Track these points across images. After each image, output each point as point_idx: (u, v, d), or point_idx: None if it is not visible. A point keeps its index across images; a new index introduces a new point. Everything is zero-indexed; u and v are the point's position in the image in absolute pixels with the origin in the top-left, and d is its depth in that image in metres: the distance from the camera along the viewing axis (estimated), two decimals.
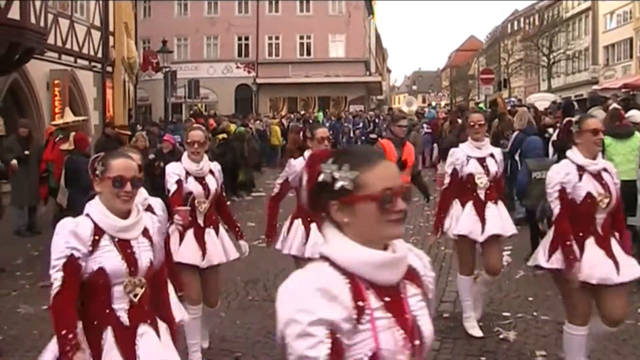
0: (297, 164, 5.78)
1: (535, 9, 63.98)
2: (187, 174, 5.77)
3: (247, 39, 45.27)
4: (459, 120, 15.40)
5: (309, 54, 45.41)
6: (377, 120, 29.03)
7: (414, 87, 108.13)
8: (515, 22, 72.64)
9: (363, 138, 27.48)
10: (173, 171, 5.80)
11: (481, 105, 26.43)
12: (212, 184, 5.91)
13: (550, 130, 11.82)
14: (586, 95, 30.91)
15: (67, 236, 3.37)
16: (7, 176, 10.99)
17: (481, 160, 6.58)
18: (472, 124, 6.67)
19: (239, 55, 45.41)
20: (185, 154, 5.96)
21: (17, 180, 11.80)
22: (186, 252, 5.69)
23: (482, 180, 6.51)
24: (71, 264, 3.35)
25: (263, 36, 45.06)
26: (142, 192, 4.51)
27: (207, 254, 5.77)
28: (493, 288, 8.22)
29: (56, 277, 3.36)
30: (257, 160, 20.98)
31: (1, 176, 10.69)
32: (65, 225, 3.41)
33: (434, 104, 50.70)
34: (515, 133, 12.19)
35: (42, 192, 12.20)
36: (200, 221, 5.84)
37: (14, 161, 10.76)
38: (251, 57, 45.22)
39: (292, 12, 44.89)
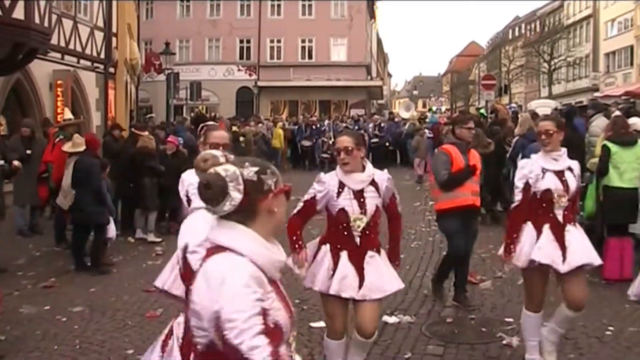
0: (329, 180, 5.05)
1: (536, 15, 64.19)
2: None
3: (248, 41, 45.30)
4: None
5: (310, 57, 45.43)
6: (382, 125, 28.68)
7: (415, 92, 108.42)
8: (517, 28, 72.89)
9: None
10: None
11: (482, 110, 26.42)
12: None
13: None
14: (586, 102, 30.88)
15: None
16: (10, 176, 10.98)
17: (559, 175, 5.59)
18: (540, 132, 5.70)
19: (241, 57, 45.44)
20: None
21: (20, 180, 11.78)
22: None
23: (562, 199, 5.55)
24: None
25: (265, 39, 45.08)
26: None
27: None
28: (495, 294, 8.24)
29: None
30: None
31: (5, 176, 10.66)
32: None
33: (434, 108, 50.61)
34: (516, 138, 12.25)
35: (42, 193, 12.19)
36: None
37: (16, 162, 10.74)
38: (253, 60, 45.25)
39: (295, 15, 44.92)
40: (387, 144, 27.51)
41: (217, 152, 3.70)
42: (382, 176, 5.15)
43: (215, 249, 2.49)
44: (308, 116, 30.70)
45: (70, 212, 10.40)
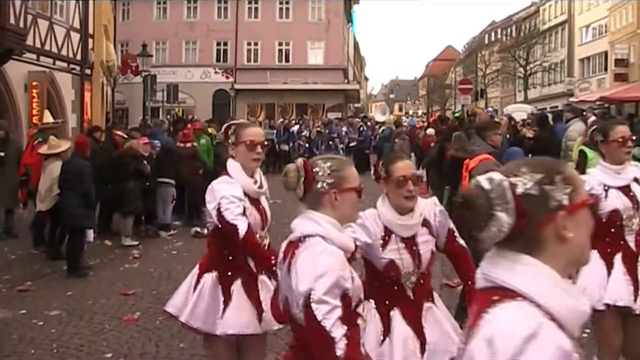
0: (369, 218, 3.86)
1: (512, 20, 64.77)
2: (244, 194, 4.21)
3: (226, 44, 45.17)
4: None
5: (287, 60, 45.38)
6: (362, 129, 28.80)
7: (392, 96, 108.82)
8: (493, 33, 73.43)
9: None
10: (233, 193, 4.11)
11: (457, 114, 26.61)
12: (268, 208, 4.49)
13: None
14: (562, 107, 31.24)
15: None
16: None
17: (625, 190, 4.51)
18: (619, 139, 4.52)
19: (218, 60, 45.28)
20: (233, 164, 4.30)
21: None
22: (235, 313, 4.16)
23: (633, 221, 4.48)
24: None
25: (242, 42, 44.96)
26: None
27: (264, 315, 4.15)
28: None
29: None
30: None
31: None
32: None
33: (411, 112, 50.88)
34: None
35: (22, 196, 12.08)
36: (253, 266, 4.31)
37: None
38: (230, 63, 45.11)
39: (272, 18, 44.87)
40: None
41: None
42: (430, 208, 4.00)
43: (498, 293, 1.74)
44: (286, 120, 30.71)
45: (52, 216, 10.34)
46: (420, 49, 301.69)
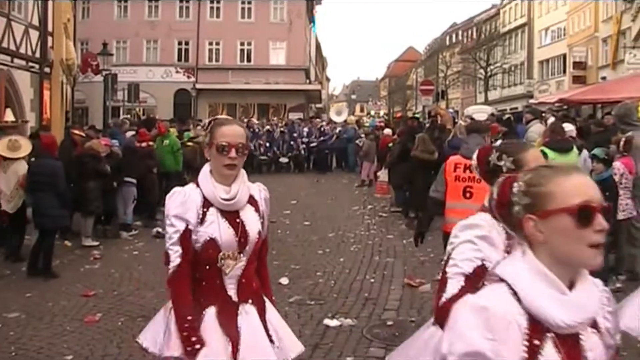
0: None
1: (473, 23, 65.42)
2: (208, 204, 3.45)
3: (187, 43, 44.95)
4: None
5: (249, 60, 45.31)
6: (324, 129, 28.90)
7: (353, 96, 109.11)
8: (454, 35, 74.11)
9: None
10: (175, 212, 3.41)
11: (417, 115, 26.80)
12: (253, 223, 3.55)
13: None
14: (522, 108, 31.61)
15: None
16: None
17: None
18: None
19: (179, 59, 45.05)
20: (205, 170, 3.55)
21: None
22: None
23: None
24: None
25: (203, 41, 44.80)
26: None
27: (240, 349, 3.37)
28: (435, 297, 8.33)
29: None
30: None
31: None
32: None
33: (372, 112, 51.10)
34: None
35: None
36: (232, 292, 3.48)
37: None
38: (191, 62, 44.90)
39: (234, 18, 44.77)
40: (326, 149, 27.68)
41: None
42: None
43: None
44: (246, 120, 30.64)
45: (14, 217, 10.21)
46: (382, 50, 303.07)
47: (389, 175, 16.01)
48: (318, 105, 58.78)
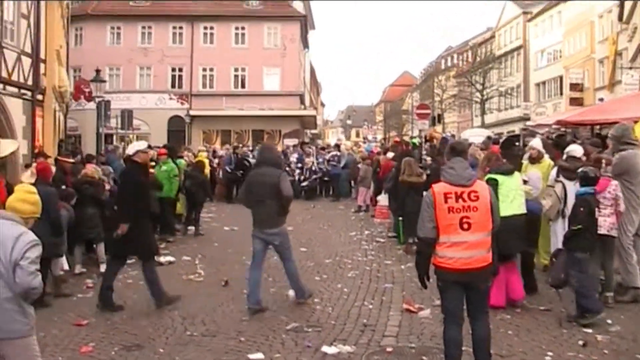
0: None
1: (468, 46, 65.75)
2: None
3: (181, 70, 45.04)
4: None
5: (243, 86, 45.37)
6: (337, 155, 28.54)
7: (348, 122, 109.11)
8: (449, 58, 74.46)
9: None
10: None
11: (414, 140, 26.70)
12: None
13: None
14: (518, 131, 31.58)
15: None
16: None
17: None
18: None
19: (173, 86, 45.11)
20: None
21: None
22: None
23: None
24: None
25: (197, 67, 44.91)
26: None
27: None
28: (434, 322, 8.17)
29: None
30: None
31: None
32: None
33: (370, 137, 51.20)
34: None
35: None
36: None
37: None
38: (185, 89, 44.95)
39: (227, 44, 44.91)
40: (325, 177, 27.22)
41: None
42: None
43: None
44: (241, 146, 30.50)
45: None
46: (377, 75, 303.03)
47: (389, 199, 15.84)
48: (313, 131, 58.84)
